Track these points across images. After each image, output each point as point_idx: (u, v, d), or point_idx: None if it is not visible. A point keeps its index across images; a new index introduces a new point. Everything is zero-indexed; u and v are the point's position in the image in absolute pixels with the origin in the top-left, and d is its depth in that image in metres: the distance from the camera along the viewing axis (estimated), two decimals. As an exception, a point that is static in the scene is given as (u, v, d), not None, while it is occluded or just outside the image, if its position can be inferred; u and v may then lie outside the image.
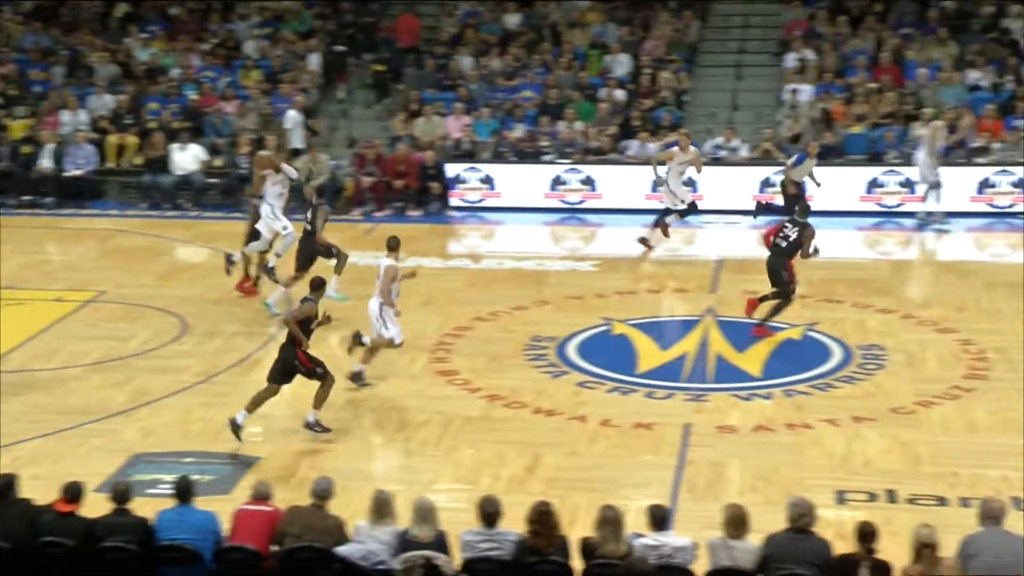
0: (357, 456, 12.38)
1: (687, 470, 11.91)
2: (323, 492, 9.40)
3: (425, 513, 9.08)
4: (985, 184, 21.36)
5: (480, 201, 22.61)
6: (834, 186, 21.10)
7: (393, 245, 13.74)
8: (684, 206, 19.07)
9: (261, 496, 9.52)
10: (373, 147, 23.07)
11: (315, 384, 12.66)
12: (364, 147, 23.24)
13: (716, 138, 22.95)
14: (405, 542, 8.98)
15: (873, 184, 21.67)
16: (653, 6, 26.54)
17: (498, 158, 23.17)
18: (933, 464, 11.88)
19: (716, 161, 22.49)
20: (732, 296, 16.94)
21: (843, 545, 9.00)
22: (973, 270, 18.69)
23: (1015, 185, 21.20)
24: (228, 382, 14.28)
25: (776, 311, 15.50)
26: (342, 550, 9.03)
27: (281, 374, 12.63)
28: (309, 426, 12.69)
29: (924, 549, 8.46)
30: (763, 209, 19.72)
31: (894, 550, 8.93)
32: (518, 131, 23.52)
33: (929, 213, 20.79)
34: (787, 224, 15.50)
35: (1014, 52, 23.90)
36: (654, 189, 20.36)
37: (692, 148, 19.17)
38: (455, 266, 18.87)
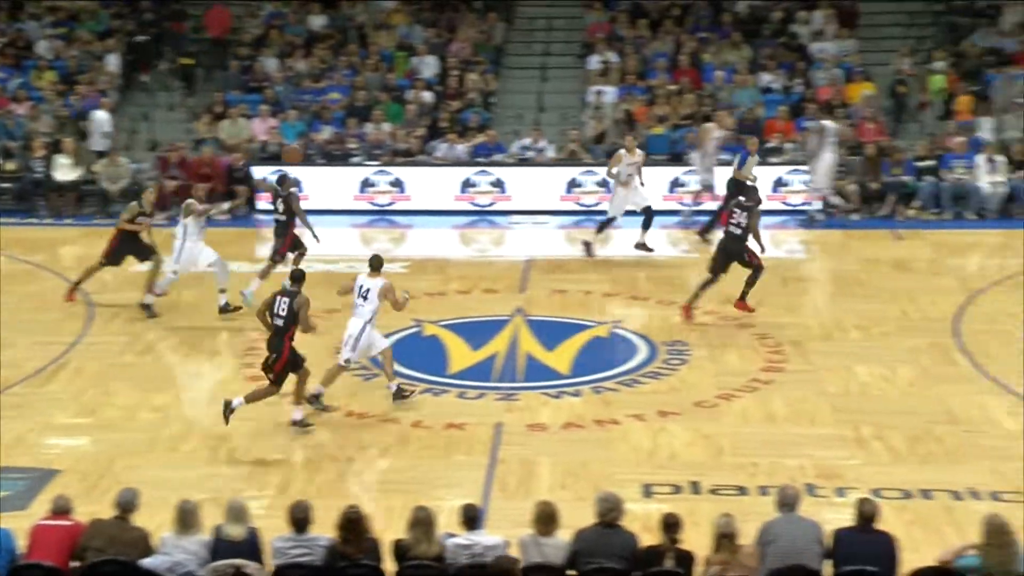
0: (163, 466, 12.13)
1: (499, 469, 12.03)
2: (127, 504, 9.21)
3: (237, 512, 9.06)
4: (779, 183, 22.10)
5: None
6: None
7: (376, 265, 13.35)
8: (637, 208, 19.04)
9: (61, 510, 9.26)
10: (177, 150, 22.62)
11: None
12: (167, 150, 22.77)
13: (523, 139, 23.21)
14: (217, 542, 8.95)
15: (675, 183, 22.17)
16: (458, 8, 26.69)
17: (306, 160, 22.98)
18: (734, 455, 12.27)
19: (523, 162, 22.76)
20: (541, 296, 17.17)
21: (649, 537, 9.22)
22: (769, 266, 19.31)
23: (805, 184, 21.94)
24: (22, 393, 13.83)
25: (753, 283, 15.93)
26: (147, 562, 8.86)
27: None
28: (296, 424, 12.78)
29: (723, 539, 8.76)
30: (708, 229, 20.01)
31: (698, 540, 9.20)
32: (325, 133, 23.37)
33: (692, 211, 21.32)
34: (735, 211, 16.06)
35: (802, 56, 24.81)
36: (608, 189, 20.36)
37: (639, 151, 19.26)
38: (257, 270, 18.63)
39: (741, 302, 16.08)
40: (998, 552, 8.63)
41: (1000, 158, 21.34)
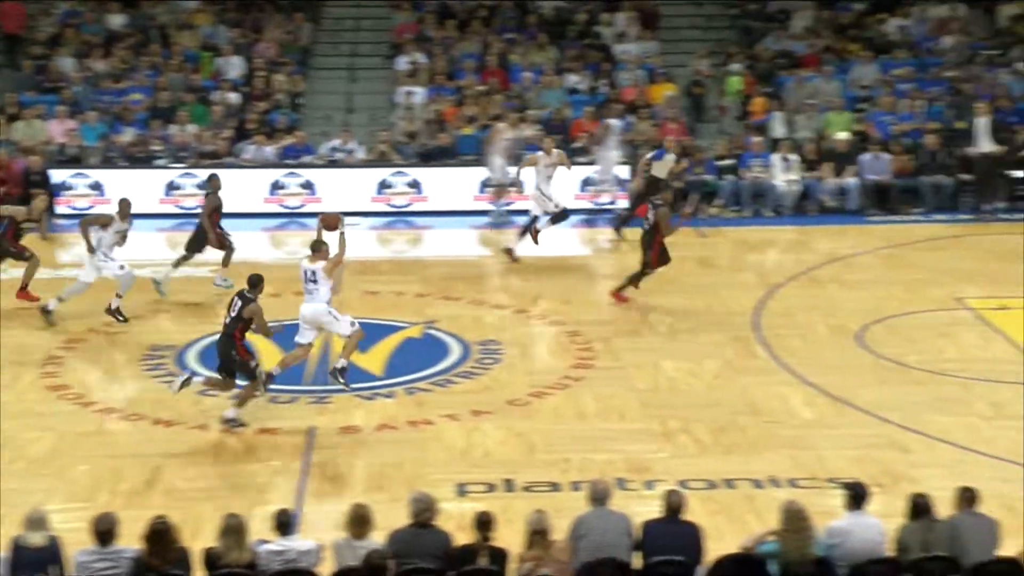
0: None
1: (312, 473, 11.96)
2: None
3: (37, 521, 8.86)
4: (587, 183, 22.45)
5: (89, 208, 21.74)
6: (448, 187, 21.79)
7: (317, 248, 13.57)
8: (556, 210, 18.96)
9: None
10: (-31, 153, 21.81)
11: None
12: (-41, 153, 21.93)
13: (333, 140, 23.08)
14: (17, 550, 8.73)
15: (485, 184, 22.33)
16: (264, 8, 26.36)
17: (107, 163, 22.40)
18: (547, 452, 12.45)
19: (333, 163, 22.63)
20: (353, 297, 17.08)
21: (464, 536, 9.30)
22: (577, 265, 19.66)
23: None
24: None
25: (636, 279, 16.68)
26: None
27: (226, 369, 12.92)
28: (227, 421, 12.84)
29: (536, 535, 8.89)
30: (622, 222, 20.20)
31: (512, 537, 9.31)
32: (128, 135, 22.82)
33: (500, 211, 21.58)
34: (650, 207, 16.65)
35: (606, 57, 25.29)
36: (482, 189, 20.07)
37: (556, 151, 19.22)
38: (65, 276, 18.07)
39: (617, 292, 16.81)
40: (795, 537, 8.98)
41: (794, 157, 22.14)
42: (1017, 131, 21.90)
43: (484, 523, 8.98)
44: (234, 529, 8.83)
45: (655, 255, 16.57)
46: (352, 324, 13.57)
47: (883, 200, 21.88)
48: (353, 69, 25.82)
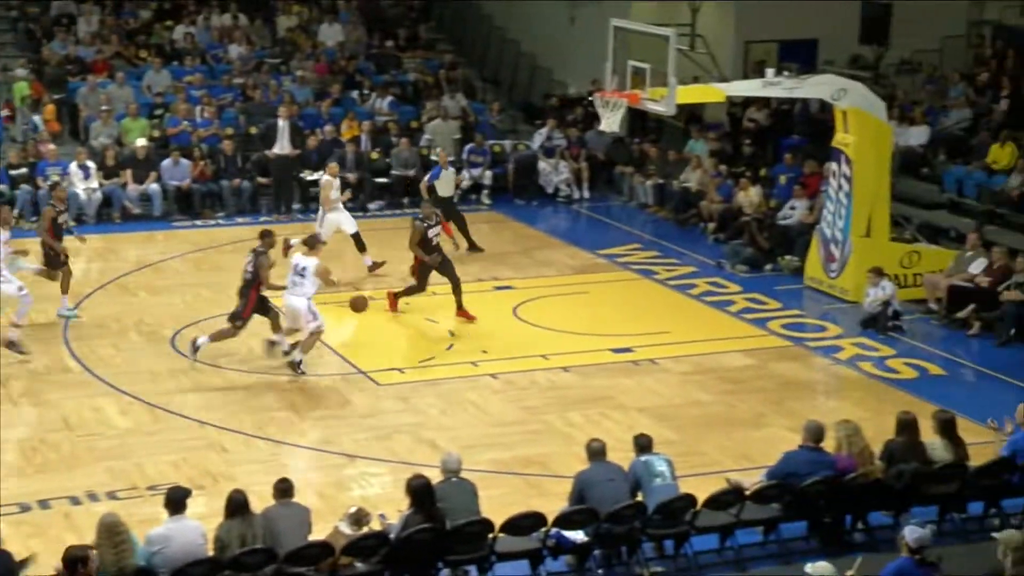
0: None
1: None
2: None
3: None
4: None
5: None
6: None
7: (312, 243, 14.94)
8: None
9: None
10: None
11: None
12: None
13: None
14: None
15: None
16: None
17: None
18: None
19: None
20: None
21: None
22: None
23: None
24: None
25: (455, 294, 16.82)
26: None
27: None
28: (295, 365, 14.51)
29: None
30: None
31: None
32: None
33: None
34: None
35: None
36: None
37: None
38: None
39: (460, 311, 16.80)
40: (112, 551, 8.87)
41: (92, 164, 21.65)
42: (307, 135, 22.96)
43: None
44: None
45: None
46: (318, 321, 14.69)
47: (187, 205, 22.05)
48: None
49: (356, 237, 18.92)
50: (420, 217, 17.10)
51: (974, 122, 21.74)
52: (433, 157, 23.12)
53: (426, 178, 20.17)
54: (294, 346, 14.89)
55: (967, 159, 20.94)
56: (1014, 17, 24.72)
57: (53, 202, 17.35)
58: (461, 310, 16.81)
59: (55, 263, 16.64)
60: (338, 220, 18.83)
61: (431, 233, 16.71)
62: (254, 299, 14.92)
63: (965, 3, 26.26)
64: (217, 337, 14.95)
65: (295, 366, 14.69)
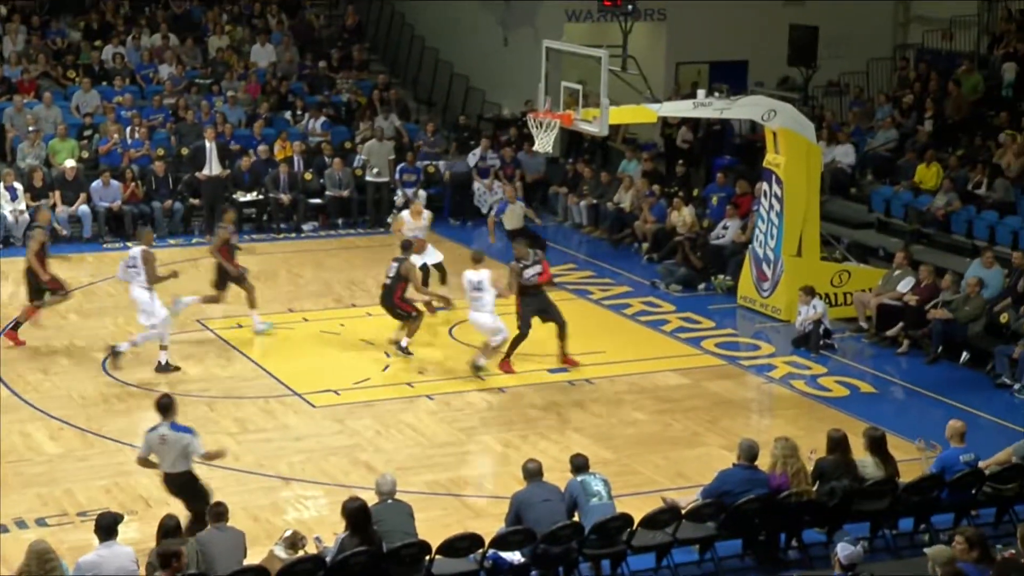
0: None
1: None
2: None
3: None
4: None
5: None
6: None
7: (478, 257, 15.89)
8: None
9: None
10: None
11: None
12: None
13: None
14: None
15: None
16: None
17: None
18: None
19: None
20: None
21: None
22: None
23: None
24: None
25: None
26: None
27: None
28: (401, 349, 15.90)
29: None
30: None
31: None
32: None
33: None
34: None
35: None
36: None
37: None
38: None
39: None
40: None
41: (19, 186, 21.33)
42: (238, 154, 22.82)
43: None
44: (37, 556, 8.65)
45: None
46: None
47: (118, 227, 21.82)
48: None
49: (439, 267, 18.37)
50: (516, 258, 15.85)
51: (900, 143, 22.09)
52: (368, 178, 23.19)
53: (492, 212, 20.38)
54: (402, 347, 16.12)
55: (894, 179, 21.26)
56: (936, 41, 25.19)
57: (40, 224, 17.15)
58: (566, 357, 15.97)
59: (38, 292, 16.40)
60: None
61: (528, 273, 15.67)
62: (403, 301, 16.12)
63: (890, 27, 26.78)
64: (411, 332, 16.18)
65: (476, 369, 15.47)
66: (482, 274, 15.61)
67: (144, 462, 11.00)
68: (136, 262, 15.54)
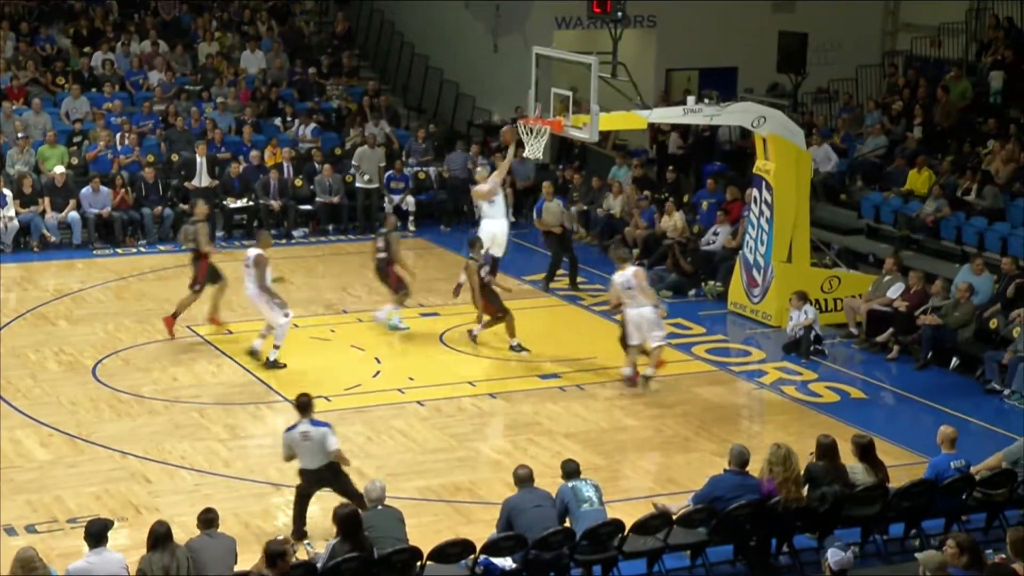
0: None
1: None
2: None
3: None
4: None
5: None
6: None
7: (625, 257, 15.83)
8: None
9: None
10: None
11: None
12: None
13: None
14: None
15: None
16: None
17: None
18: None
19: None
20: None
21: None
22: None
23: None
24: None
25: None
26: None
27: None
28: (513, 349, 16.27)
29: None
30: None
31: None
32: None
33: None
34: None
35: None
36: None
37: None
38: None
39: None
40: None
41: (8, 192, 21.30)
42: (228, 161, 22.80)
43: None
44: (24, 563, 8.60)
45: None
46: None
47: (108, 233, 21.79)
48: None
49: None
50: (618, 261, 16.01)
51: (889, 149, 22.14)
52: (358, 184, 23.17)
53: (535, 216, 20.54)
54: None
55: (883, 185, 21.31)
56: (925, 48, 25.26)
57: (199, 218, 17.34)
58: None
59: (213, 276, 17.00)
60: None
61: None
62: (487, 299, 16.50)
63: (879, 34, 26.85)
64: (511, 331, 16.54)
65: (646, 380, 15.42)
66: (627, 272, 15.50)
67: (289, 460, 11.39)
68: (250, 263, 15.89)
